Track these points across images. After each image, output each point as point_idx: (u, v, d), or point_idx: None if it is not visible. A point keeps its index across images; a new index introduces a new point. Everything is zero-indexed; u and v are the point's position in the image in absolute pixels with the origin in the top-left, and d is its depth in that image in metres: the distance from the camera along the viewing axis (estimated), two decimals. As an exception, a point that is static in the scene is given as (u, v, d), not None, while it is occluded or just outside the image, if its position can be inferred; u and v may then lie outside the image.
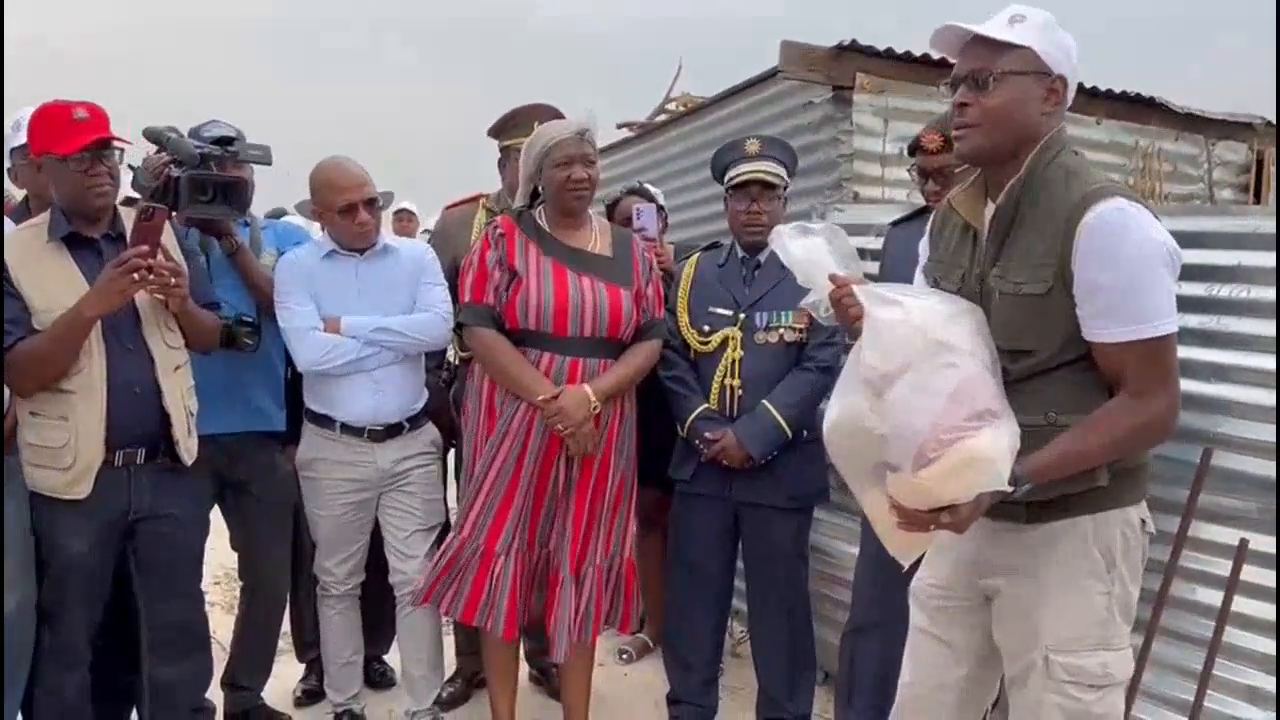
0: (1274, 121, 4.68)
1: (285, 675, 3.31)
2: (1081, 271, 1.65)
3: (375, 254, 2.87)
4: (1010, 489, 1.62)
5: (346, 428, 2.84)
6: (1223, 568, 2.35)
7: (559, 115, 3.06)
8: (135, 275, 2.26)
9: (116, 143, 2.39)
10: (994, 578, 1.87)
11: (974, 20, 1.72)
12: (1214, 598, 2.36)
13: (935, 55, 3.75)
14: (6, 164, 2.87)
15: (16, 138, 2.70)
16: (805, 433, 2.86)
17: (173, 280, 2.34)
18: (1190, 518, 2.38)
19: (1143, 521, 1.82)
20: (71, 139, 2.30)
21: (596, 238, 2.76)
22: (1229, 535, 2.35)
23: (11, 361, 2.30)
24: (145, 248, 2.27)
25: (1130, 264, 1.62)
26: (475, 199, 3.33)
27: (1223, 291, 2.39)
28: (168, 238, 2.42)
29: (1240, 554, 2.30)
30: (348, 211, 2.78)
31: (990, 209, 1.79)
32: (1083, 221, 1.63)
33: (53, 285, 2.35)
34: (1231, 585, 2.32)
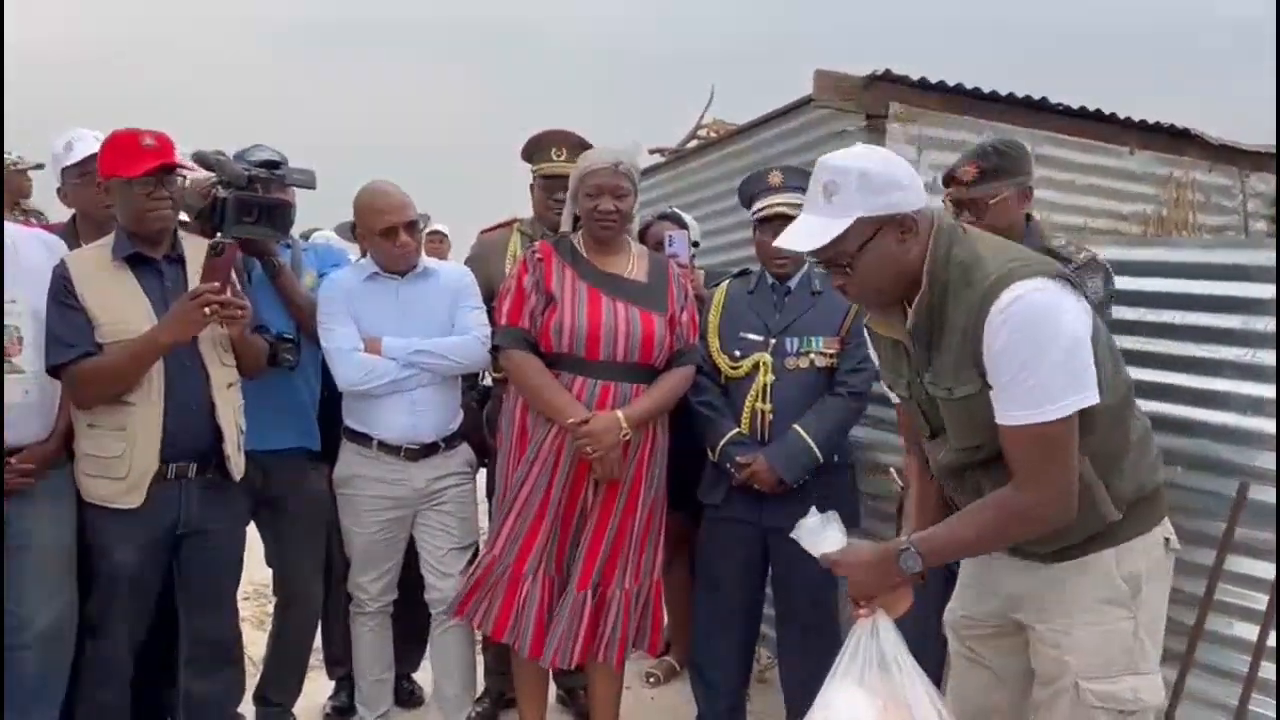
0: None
1: (315, 692, 3.33)
2: (988, 362, 1.67)
3: (416, 276, 2.92)
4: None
5: (383, 446, 2.88)
6: (1259, 602, 2.34)
7: (578, 139, 3.14)
8: (207, 309, 2.37)
9: (180, 169, 2.49)
10: (1023, 611, 1.88)
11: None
12: (1250, 632, 2.34)
13: (969, 85, 3.78)
14: (55, 183, 2.95)
15: (68, 158, 2.77)
16: (836, 457, 2.86)
17: (239, 313, 2.44)
18: (1226, 551, 2.37)
19: (1166, 540, 1.83)
20: (138, 163, 2.41)
21: (633, 263, 2.80)
22: (1265, 569, 2.33)
23: (78, 375, 2.39)
24: (217, 284, 2.39)
25: (1024, 351, 1.62)
26: (509, 223, 3.38)
27: (1259, 324, 2.39)
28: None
29: (1277, 588, 2.28)
30: (388, 234, 2.83)
31: (910, 321, 1.82)
32: (987, 318, 1.64)
33: (116, 302, 2.44)
34: (1268, 620, 2.30)
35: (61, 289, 2.41)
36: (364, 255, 3.05)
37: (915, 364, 1.82)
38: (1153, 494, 1.81)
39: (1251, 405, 2.37)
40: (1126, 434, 1.78)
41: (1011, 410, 1.65)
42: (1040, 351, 1.61)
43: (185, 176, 2.54)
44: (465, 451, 3.05)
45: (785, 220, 2.84)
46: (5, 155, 3.08)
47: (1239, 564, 2.38)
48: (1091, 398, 1.64)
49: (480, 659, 3.26)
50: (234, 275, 2.52)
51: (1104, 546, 1.77)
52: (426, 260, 2.99)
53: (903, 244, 1.71)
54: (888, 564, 1.76)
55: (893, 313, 1.82)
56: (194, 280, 2.48)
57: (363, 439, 2.91)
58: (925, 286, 1.72)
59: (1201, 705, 2.42)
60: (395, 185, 2.90)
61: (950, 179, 2.63)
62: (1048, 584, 1.82)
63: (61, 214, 3.03)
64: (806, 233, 1.74)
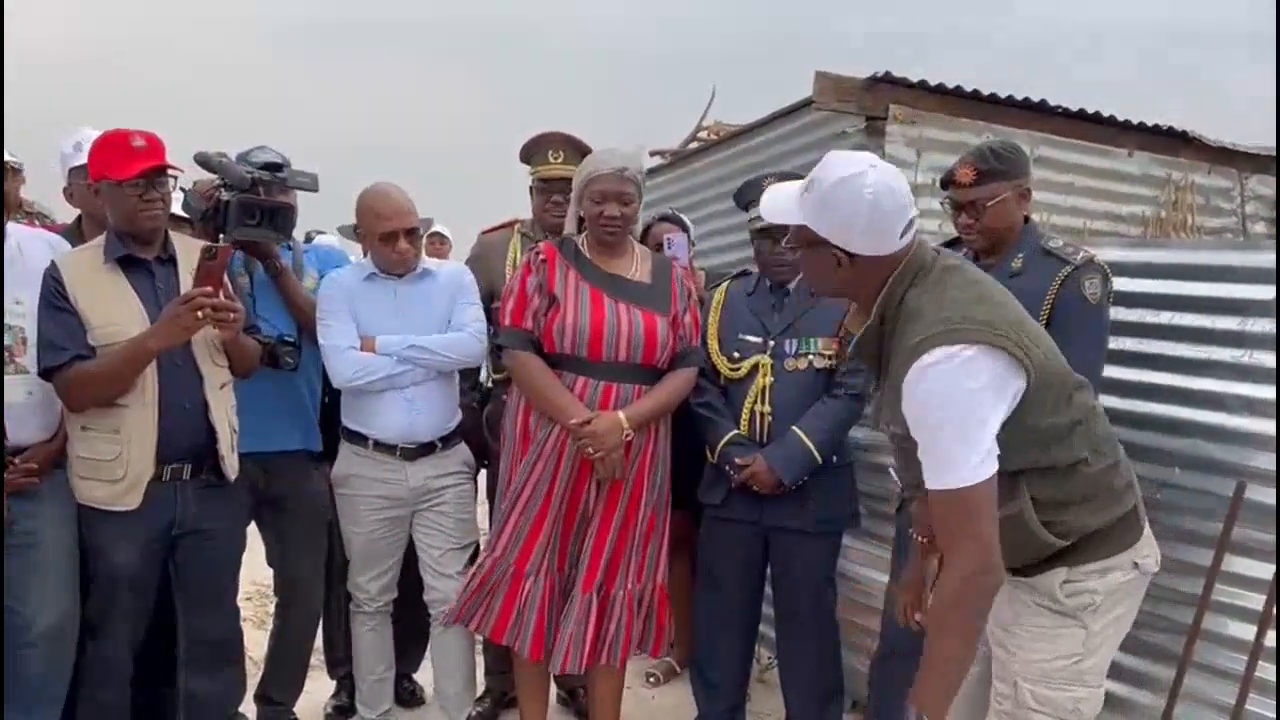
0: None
1: (316, 691, 3.34)
2: (908, 424, 1.71)
3: (414, 277, 2.93)
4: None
5: (380, 445, 2.90)
6: (1256, 602, 2.35)
7: (576, 141, 3.15)
8: (199, 314, 2.36)
9: (170, 170, 2.49)
10: None
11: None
12: (1247, 632, 2.35)
13: (969, 88, 3.79)
14: (62, 183, 2.96)
15: (77, 158, 2.79)
16: (835, 458, 2.88)
17: (230, 317, 2.44)
18: (1223, 551, 2.38)
19: (1135, 564, 1.84)
20: (129, 165, 2.41)
21: (637, 265, 2.81)
22: (1263, 569, 2.34)
23: (70, 379, 2.39)
24: (209, 288, 2.38)
25: (931, 420, 1.66)
26: (510, 224, 3.40)
27: (1256, 326, 2.40)
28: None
29: (1274, 588, 2.30)
30: (388, 239, 2.85)
31: (852, 344, 1.88)
32: (904, 383, 1.68)
33: (108, 304, 2.45)
34: (1265, 620, 2.31)
35: (53, 291, 2.41)
36: (366, 255, 3.06)
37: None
38: (1117, 524, 1.81)
39: (1247, 406, 2.38)
40: (1079, 481, 1.78)
41: (927, 474, 1.68)
42: (940, 423, 1.64)
43: (175, 178, 2.54)
44: (463, 451, 3.06)
45: (783, 231, 2.87)
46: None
47: (1236, 564, 2.39)
48: (985, 472, 1.63)
49: (480, 659, 3.27)
50: (227, 278, 2.53)
51: (1057, 566, 1.80)
52: (426, 261, 3.00)
53: (836, 269, 1.77)
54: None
55: (859, 316, 1.86)
56: (186, 281, 2.49)
57: (359, 438, 2.92)
58: (874, 318, 1.77)
59: (1199, 705, 2.43)
60: (399, 189, 2.91)
61: (948, 181, 2.64)
62: (1002, 593, 1.82)
63: (67, 214, 3.04)
64: (773, 204, 1.85)
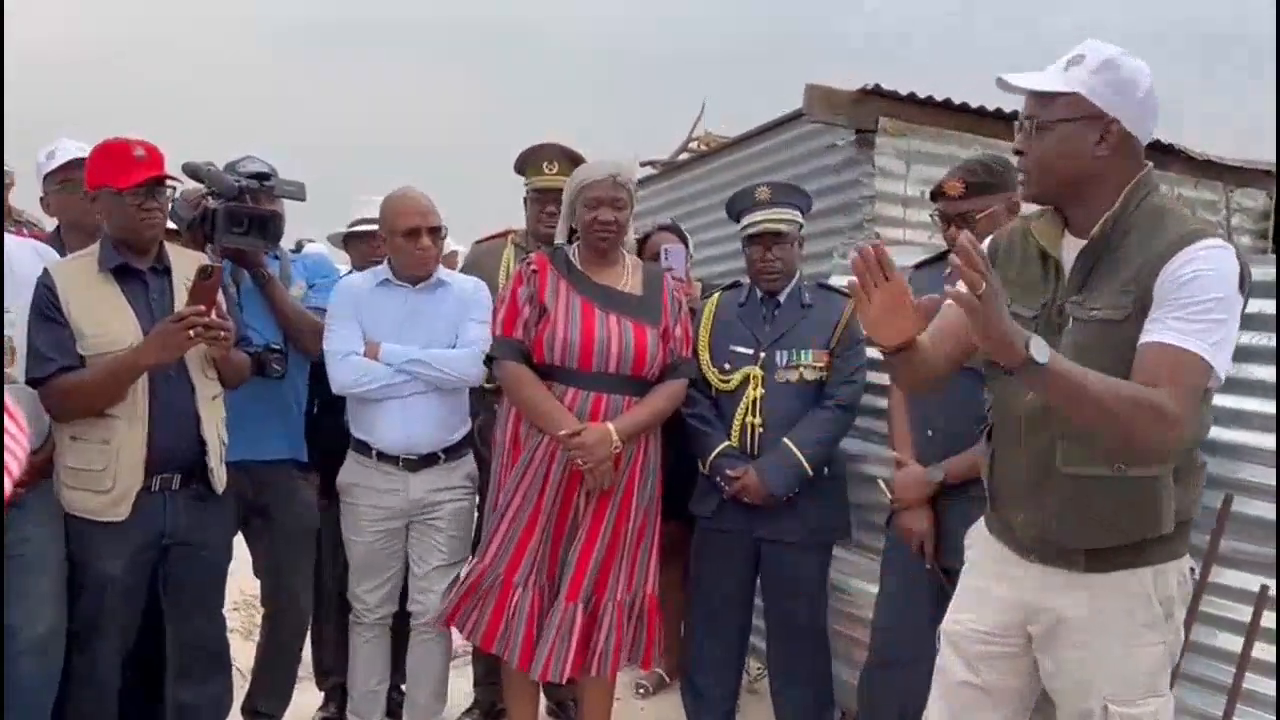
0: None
1: (304, 703, 3.31)
2: (1161, 290, 1.64)
3: (427, 286, 2.92)
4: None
5: (382, 455, 2.88)
6: (1243, 613, 2.35)
7: (570, 152, 3.16)
8: (191, 333, 2.36)
9: (170, 181, 2.50)
10: (1044, 624, 1.85)
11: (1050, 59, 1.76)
12: (1234, 643, 2.35)
13: (957, 100, 3.80)
14: (38, 192, 2.96)
15: (49, 165, 2.79)
16: (826, 470, 2.88)
17: (222, 335, 2.44)
18: (1211, 563, 2.38)
19: (1191, 570, 1.86)
20: (130, 174, 2.42)
21: (628, 276, 2.81)
22: (1249, 581, 2.34)
23: (58, 390, 2.39)
24: (202, 307, 2.39)
25: (1211, 290, 1.62)
26: (505, 234, 3.40)
27: (1243, 338, 2.40)
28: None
29: (1261, 600, 2.30)
30: (411, 235, 2.84)
31: (1069, 241, 1.79)
32: (1177, 254, 1.64)
33: (101, 313, 2.44)
34: (1252, 631, 2.31)
35: (46, 301, 2.41)
36: (353, 267, 3.05)
37: (1067, 284, 1.77)
38: (1185, 525, 1.82)
39: (1234, 418, 2.39)
40: (1187, 462, 1.78)
41: (1171, 334, 1.61)
42: (1223, 298, 1.62)
43: (175, 189, 2.55)
44: (467, 465, 3.02)
45: (774, 236, 2.88)
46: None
47: (1224, 576, 2.39)
48: (1219, 360, 1.62)
49: (470, 670, 3.26)
50: (220, 295, 2.53)
51: (1141, 564, 1.77)
52: (442, 272, 2.98)
53: (1096, 147, 1.70)
54: (1017, 333, 1.54)
55: (1054, 225, 1.81)
56: (180, 292, 2.49)
57: (363, 447, 2.91)
58: (1117, 208, 1.71)
59: (1188, 717, 2.43)
60: (422, 192, 2.91)
61: (938, 194, 2.65)
62: (1081, 595, 1.80)
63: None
64: (1024, 78, 1.74)
